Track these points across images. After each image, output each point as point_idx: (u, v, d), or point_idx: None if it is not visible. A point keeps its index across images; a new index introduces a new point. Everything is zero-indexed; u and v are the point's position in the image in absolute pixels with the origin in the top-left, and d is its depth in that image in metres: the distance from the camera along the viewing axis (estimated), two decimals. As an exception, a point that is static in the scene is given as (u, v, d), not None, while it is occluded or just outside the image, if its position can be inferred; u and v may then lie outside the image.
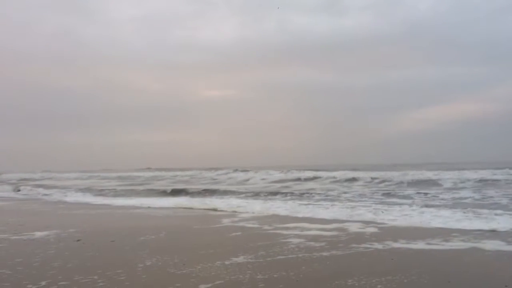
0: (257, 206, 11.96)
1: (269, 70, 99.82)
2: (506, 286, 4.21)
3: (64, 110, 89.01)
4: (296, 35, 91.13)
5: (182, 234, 7.68)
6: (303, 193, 16.16)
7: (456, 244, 6.38)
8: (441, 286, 4.24)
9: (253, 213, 10.66)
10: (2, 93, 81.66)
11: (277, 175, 29.30)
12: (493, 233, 7.21)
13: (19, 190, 22.56)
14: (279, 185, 22.59)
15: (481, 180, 18.93)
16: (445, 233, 7.22)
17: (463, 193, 14.71)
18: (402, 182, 19.94)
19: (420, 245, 6.32)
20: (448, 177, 20.97)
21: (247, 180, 28.31)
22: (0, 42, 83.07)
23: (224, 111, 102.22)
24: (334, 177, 24.70)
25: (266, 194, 16.67)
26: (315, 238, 6.86)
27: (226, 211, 11.49)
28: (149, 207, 12.99)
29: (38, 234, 7.49)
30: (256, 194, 16.48)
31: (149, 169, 50.22)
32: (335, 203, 12.77)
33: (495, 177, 20.17)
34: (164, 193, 19.55)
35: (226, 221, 9.27)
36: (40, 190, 22.34)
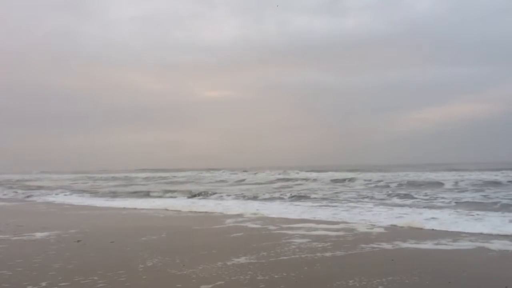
0: (251, 208, 11.91)
1: (268, 70, 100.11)
2: (506, 287, 4.20)
3: (63, 111, 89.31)
4: (296, 35, 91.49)
5: (183, 234, 7.67)
6: (301, 194, 16.14)
7: (462, 244, 6.38)
8: (442, 286, 4.23)
9: (250, 215, 10.62)
10: (2, 93, 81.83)
11: (273, 176, 29.34)
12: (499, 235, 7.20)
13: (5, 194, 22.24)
14: (276, 185, 22.61)
15: (488, 182, 18.91)
16: (448, 235, 7.22)
17: (467, 194, 14.72)
18: (403, 183, 19.91)
19: (422, 245, 6.32)
20: (449, 178, 21.00)
21: (243, 180, 28.31)
22: (0, 43, 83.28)
23: (224, 111, 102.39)
24: (334, 178, 24.72)
25: (263, 194, 16.63)
26: (319, 239, 6.84)
27: (215, 212, 11.41)
28: (135, 209, 12.87)
29: (39, 235, 7.48)
30: (254, 195, 16.43)
31: (144, 170, 49.96)
32: (335, 204, 12.76)
33: (497, 178, 20.19)
34: (147, 195, 19.03)
35: (228, 222, 9.26)
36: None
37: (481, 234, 7.23)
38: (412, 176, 23.82)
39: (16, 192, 22.17)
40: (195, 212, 11.76)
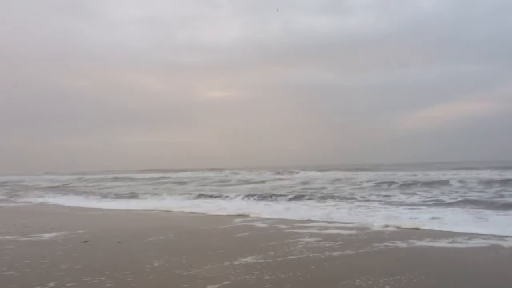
0: (257, 207, 11.90)
1: (272, 70, 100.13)
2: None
3: (65, 112, 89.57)
4: (299, 35, 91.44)
5: (189, 235, 7.67)
6: (302, 194, 16.08)
7: (470, 243, 6.34)
8: (448, 286, 4.21)
9: (257, 215, 10.61)
10: (2, 93, 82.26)
11: (271, 176, 29.32)
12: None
13: None
14: (280, 184, 22.57)
15: (495, 181, 18.76)
16: (455, 234, 7.18)
17: (474, 193, 14.62)
18: (409, 182, 19.80)
19: (429, 244, 6.29)
20: (455, 176, 20.88)
21: (248, 180, 28.27)
22: (0, 43, 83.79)
23: (227, 112, 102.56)
24: (337, 178, 24.63)
25: (269, 193, 16.61)
26: (321, 239, 6.83)
27: (221, 212, 11.37)
28: (140, 209, 12.84)
29: (46, 235, 7.52)
30: (260, 194, 16.41)
31: (148, 170, 50.11)
32: (338, 203, 12.73)
33: (505, 176, 20.03)
34: (151, 195, 18.87)
35: (235, 221, 9.26)
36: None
37: (489, 233, 7.15)
38: (419, 175, 23.71)
39: (20, 194, 22.33)
40: (201, 212, 11.76)
